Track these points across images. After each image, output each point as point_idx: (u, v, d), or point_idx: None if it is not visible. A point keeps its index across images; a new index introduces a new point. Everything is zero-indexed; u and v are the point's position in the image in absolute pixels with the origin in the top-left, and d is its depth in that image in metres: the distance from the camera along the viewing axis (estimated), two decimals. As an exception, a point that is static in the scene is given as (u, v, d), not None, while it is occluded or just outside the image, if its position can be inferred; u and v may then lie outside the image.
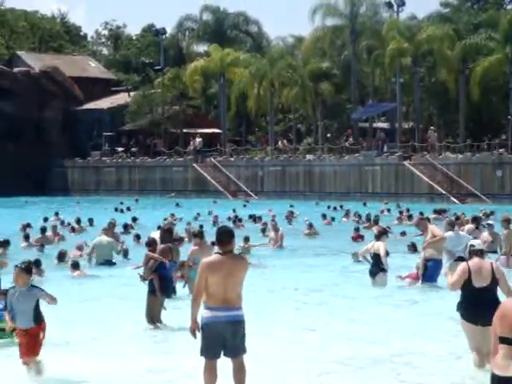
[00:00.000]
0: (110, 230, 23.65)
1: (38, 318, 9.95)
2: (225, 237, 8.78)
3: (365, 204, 45.95)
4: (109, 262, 21.71)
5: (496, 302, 9.78)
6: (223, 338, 8.56)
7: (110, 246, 22.01)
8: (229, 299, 8.56)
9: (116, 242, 22.96)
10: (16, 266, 10.11)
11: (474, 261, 10.13)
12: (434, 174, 52.83)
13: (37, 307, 9.98)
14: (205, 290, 8.59)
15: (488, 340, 9.85)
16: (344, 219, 36.77)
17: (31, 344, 9.84)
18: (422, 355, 10.99)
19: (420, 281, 17.37)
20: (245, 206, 47.96)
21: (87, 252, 22.18)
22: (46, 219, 33.45)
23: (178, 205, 48.06)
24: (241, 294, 8.69)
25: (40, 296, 10.00)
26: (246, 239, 23.72)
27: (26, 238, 26.52)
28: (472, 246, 10.40)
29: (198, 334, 8.65)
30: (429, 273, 17.23)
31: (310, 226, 31.06)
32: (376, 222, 29.51)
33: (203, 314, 8.60)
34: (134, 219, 34.57)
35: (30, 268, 10.14)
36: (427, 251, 17.25)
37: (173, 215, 34.85)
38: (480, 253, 10.22)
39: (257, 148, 65.55)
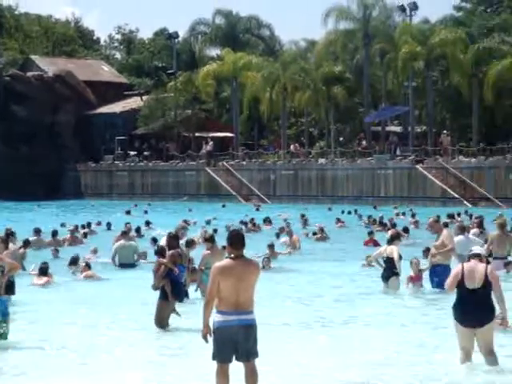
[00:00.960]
0: (127, 233, 23.86)
1: None
2: (236, 241, 8.80)
3: (375, 207, 45.89)
4: (130, 265, 22.25)
5: (486, 305, 9.87)
6: (235, 342, 8.58)
7: (132, 249, 22.56)
8: (240, 303, 8.59)
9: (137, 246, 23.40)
10: None
11: (469, 263, 10.35)
12: (446, 178, 52.72)
13: None
14: (217, 294, 8.61)
15: (471, 341, 10.05)
16: (363, 223, 36.51)
17: None
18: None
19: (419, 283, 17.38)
20: (257, 209, 47.96)
21: (111, 255, 22.59)
22: (63, 225, 33.65)
23: (190, 210, 48.02)
24: (252, 298, 8.71)
25: None
26: (271, 246, 23.81)
27: (37, 232, 26.59)
28: (470, 250, 10.72)
29: (210, 339, 8.66)
30: (439, 279, 17.16)
31: (321, 230, 31.08)
32: (393, 226, 29.55)
33: (215, 318, 8.63)
34: (148, 223, 34.63)
35: None
36: (435, 256, 17.19)
37: (185, 221, 34.86)
38: (477, 256, 10.40)
39: (269, 152, 65.56)
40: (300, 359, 10.99)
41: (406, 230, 29.85)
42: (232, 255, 8.75)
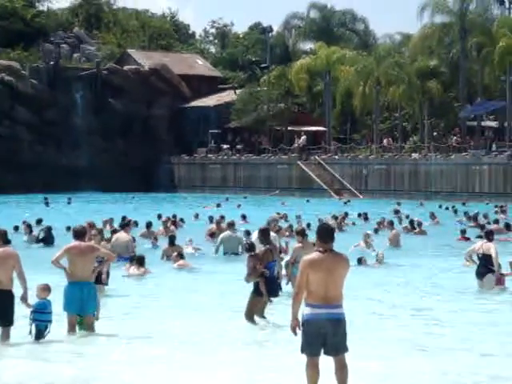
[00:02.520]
0: (233, 225, 24.29)
1: None
2: (325, 234, 8.81)
3: (464, 204, 44.86)
4: (235, 255, 22.76)
5: None
6: (323, 335, 8.59)
7: (238, 241, 23.13)
8: (329, 297, 8.60)
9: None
10: None
11: None
12: (544, 175, 51.44)
13: None
14: (306, 287, 8.65)
15: None
16: (458, 221, 35.66)
17: None
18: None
19: None
20: (345, 203, 47.71)
21: (216, 245, 23.43)
22: (159, 216, 34.13)
23: (283, 204, 48.15)
24: (341, 292, 8.72)
25: None
26: (367, 236, 24.19)
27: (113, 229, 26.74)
28: None
29: (299, 332, 8.70)
30: None
31: (420, 224, 30.74)
32: (496, 222, 29.29)
33: (304, 310, 8.66)
34: (244, 217, 34.86)
35: None
36: None
37: (278, 213, 34.95)
38: None
39: (361, 146, 65.17)
40: (391, 358, 10.90)
41: (508, 226, 29.28)
42: (321, 248, 8.77)
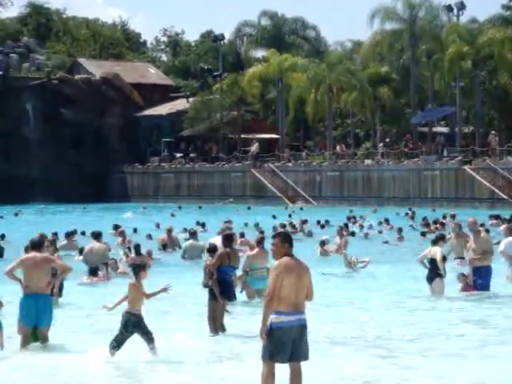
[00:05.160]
0: (195, 234, 25.25)
1: None
2: (291, 240, 8.75)
3: (410, 209, 44.47)
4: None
5: None
6: (293, 342, 8.52)
7: (200, 248, 23.76)
8: (299, 303, 8.55)
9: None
10: None
11: None
12: (495, 179, 52.02)
13: None
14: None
15: None
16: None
17: None
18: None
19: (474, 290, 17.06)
20: (290, 215, 47.04)
21: (181, 253, 24.52)
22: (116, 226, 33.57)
23: (237, 210, 47.93)
24: (304, 298, 8.66)
25: None
26: (323, 243, 24.45)
27: (68, 236, 26.30)
28: None
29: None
30: (482, 281, 16.91)
31: (400, 230, 31.29)
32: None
33: (273, 318, 8.48)
34: (203, 225, 34.72)
35: None
36: (476, 260, 16.95)
37: (229, 221, 34.78)
38: None
39: (315, 153, 65.38)
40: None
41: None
42: (290, 253, 8.65)
